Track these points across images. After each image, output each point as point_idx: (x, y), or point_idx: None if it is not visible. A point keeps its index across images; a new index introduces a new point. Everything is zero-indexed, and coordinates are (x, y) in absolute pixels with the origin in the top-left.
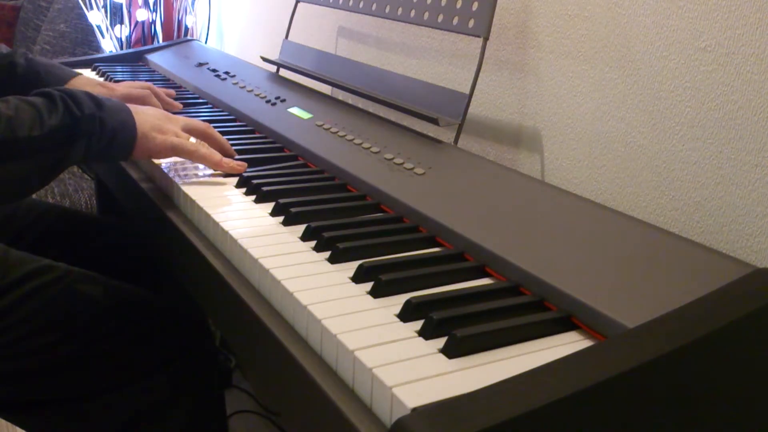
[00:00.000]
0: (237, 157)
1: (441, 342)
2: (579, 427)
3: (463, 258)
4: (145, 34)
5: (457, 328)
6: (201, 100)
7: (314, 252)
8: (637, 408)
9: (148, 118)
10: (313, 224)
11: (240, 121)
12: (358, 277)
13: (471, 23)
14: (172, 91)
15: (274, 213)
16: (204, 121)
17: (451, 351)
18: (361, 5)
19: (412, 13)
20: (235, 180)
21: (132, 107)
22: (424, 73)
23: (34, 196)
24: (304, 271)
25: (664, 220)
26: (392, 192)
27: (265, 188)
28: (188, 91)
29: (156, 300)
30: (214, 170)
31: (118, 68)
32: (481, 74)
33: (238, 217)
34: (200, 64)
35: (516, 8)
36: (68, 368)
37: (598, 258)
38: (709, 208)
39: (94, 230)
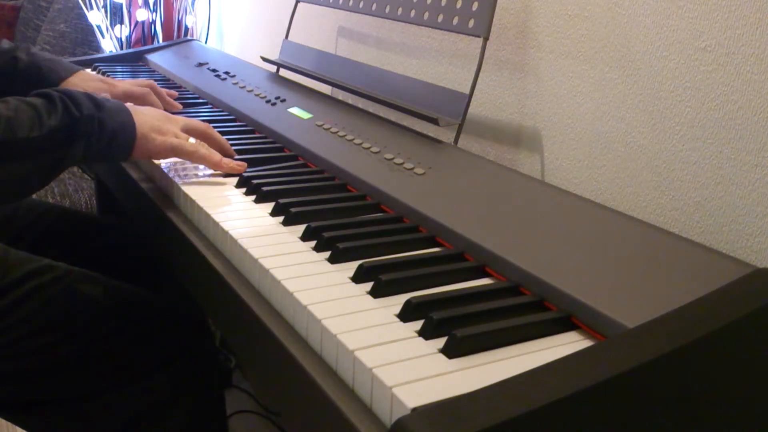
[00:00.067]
0: (237, 157)
1: (441, 342)
2: (579, 427)
3: (463, 258)
4: (145, 34)
5: (457, 328)
6: (201, 100)
7: (314, 252)
8: (637, 408)
9: (147, 119)
10: (313, 224)
11: (240, 121)
12: (358, 277)
13: (471, 23)
14: (174, 92)
15: (274, 213)
16: (204, 121)
17: (451, 351)
18: (361, 5)
19: (412, 13)
20: (235, 180)
21: (132, 108)
22: (424, 73)
23: (34, 196)
24: (304, 271)
25: (664, 220)
26: (392, 192)
27: (265, 188)
28: (188, 91)
29: (156, 300)
30: (214, 170)
31: (118, 68)
32: (481, 74)
33: (238, 217)
34: (200, 64)
35: (516, 8)
36: (68, 368)
37: (598, 258)
38: (709, 208)
39: (94, 230)
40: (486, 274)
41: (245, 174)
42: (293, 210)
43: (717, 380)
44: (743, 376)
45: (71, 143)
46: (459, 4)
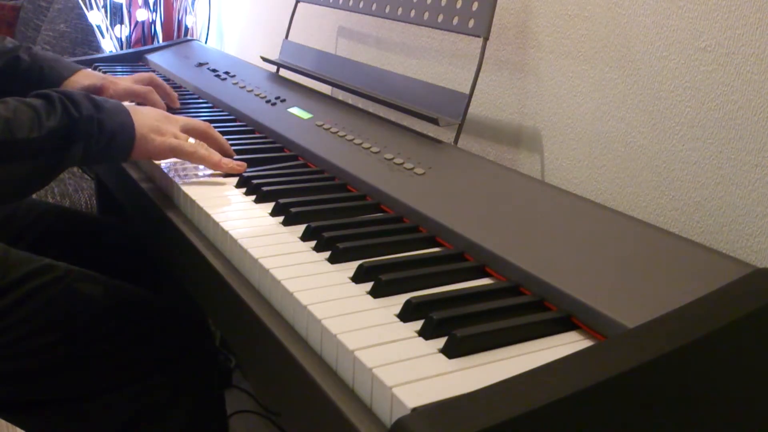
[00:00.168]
0: (237, 157)
1: (441, 342)
2: (579, 427)
3: (463, 258)
4: (145, 34)
5: (457, 328)
6: (201, 100)
7: (314, 252)
8: (637, 408)
9: (146, 119)
10: (313, 224)
11: (240, 121)
12: (358, 277)
13: (471, 23)
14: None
15: (274, 213)
16: (204, 121)
17: (451, 351)
18: (361, 5)
19: (412, 13)
20: (235, 180)
21: (131, 108)
22: (424, 73)
23: (34, 196)
24: (304, 271)
25: (664, 220)
26: (392, 192)
27: (265, 188)
28: (188, 91)
29: (156, 300)
30: (214, 171)
31: (118, 68)
32: (481, 74)
33: (238, 217)
34: (200, 64)
35: (516, 8)
36: (68, 368)
37: (598, 258)
38: (709, 208)
39: (94, 230)
40: (486, 274)
41: (245, 174)
42: (293, 210)
43: (717, 380)
44: (743, 376)
45: (70, 144)
46: (459, 4)
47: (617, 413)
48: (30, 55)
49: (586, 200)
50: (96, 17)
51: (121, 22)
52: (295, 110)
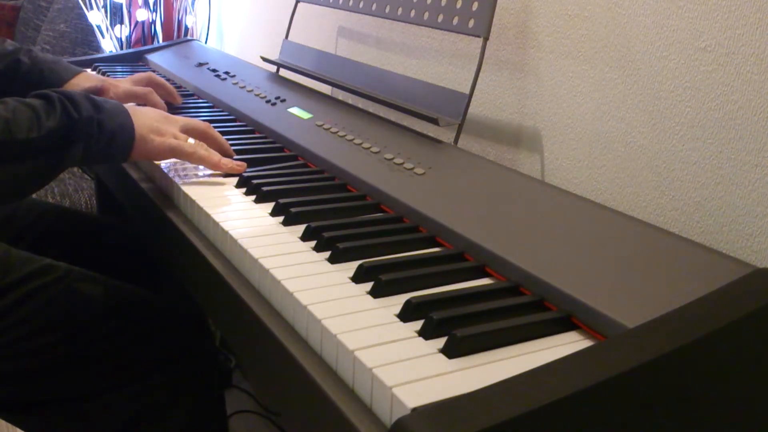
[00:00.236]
0: (237, 157)
1: (441, 342)
2: (579, 427)
3: (463, 258)
4: (145, 34)
5: (457, 328)
6: (201, 100)
7: (314, 252)
8: (638, 408)
9: (146, 120)
10: (313, 224)
11: (240, 121)
12: (358, 277)
13: (471, 23)
14: (176, 91)
15: (274, 213)
16: (204, 121)
17: (451, 351)
18: (361, 5)
19: (412, 13)
20: (235, 180)
21: (131, 108)
22: (424, 73)
23: (34, 196)
24: (304, 271)
25: (664, 220)
26: (392, 192)
27: (265, 188)
28: (188, 91)
29: (156, 300)
30: (214, 171)
31: (118, 68)
32: (481, 74)
33: (238, 217)
34: (200, 64)
35: (516, 8)
36: (68, 368)
37: (598, 258)
38: (709, 208)
39: (94, 230)
40: (486, 274)
41: (245, 174)
42: (293, 210)
43: (717, 380)
44: (743, 376)
45: (70, 145)
46: (459, 4)
47: (617, 413)
48: (30, 58)
49: (586, 200)
50: (96, 17)
51: (121, 22)
52: (295, 110)
